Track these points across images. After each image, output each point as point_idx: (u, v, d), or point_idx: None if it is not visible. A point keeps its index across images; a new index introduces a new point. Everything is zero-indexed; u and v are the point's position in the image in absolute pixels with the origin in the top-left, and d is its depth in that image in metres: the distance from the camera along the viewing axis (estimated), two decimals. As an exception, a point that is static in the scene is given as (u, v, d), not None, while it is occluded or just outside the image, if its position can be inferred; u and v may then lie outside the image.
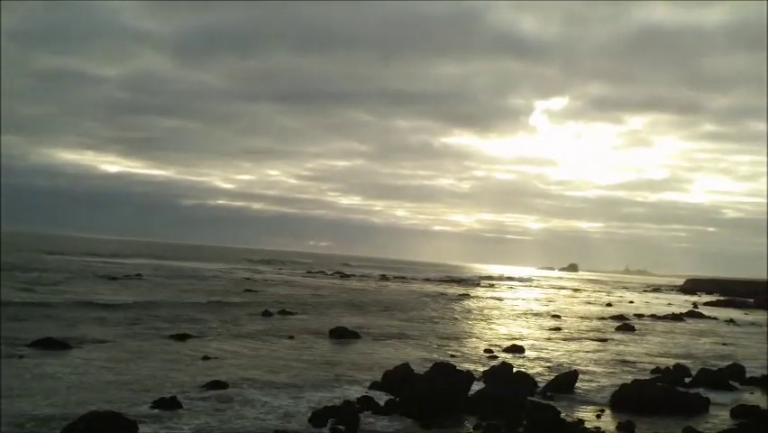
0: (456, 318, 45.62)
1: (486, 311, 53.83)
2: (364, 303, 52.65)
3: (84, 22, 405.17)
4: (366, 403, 17.00)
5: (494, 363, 23.91)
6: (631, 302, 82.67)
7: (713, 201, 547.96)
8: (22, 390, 16.76)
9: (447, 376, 17.95)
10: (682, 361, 28.50)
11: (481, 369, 22.70)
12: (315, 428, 15.03)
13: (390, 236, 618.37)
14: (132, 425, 13.48)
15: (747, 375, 25.36)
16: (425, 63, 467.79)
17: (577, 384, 21.47)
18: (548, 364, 26.43)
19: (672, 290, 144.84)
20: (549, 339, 35.84)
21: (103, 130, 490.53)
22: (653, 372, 25.60)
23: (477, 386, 18.90)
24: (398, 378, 18.93)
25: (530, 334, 38.20)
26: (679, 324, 52.67)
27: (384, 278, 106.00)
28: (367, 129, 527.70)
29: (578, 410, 18.41)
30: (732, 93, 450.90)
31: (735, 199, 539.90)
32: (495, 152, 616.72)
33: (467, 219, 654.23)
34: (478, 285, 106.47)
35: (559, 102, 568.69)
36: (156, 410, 15.49)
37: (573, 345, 33.59)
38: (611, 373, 25.44)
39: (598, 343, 35.39)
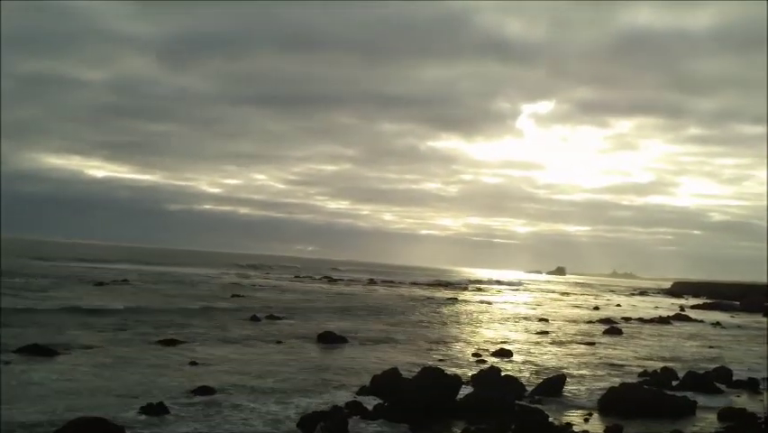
0: (444, 322, 45.64)
1: (474, 315, 53.90)
2: (352, 307, 52.61)
3: (67, 25, 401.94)
4: (354, 408, 16.99)
5: (482, 367, 23.93)
6: (618, 305, 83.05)
7: (699, 204, 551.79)
8: (8, 396, 16.61)
9: (435, 380, 17.94)
10: (670, 364, 28.60)
11: (470, 373, 22.70)
12: (303, 434, 15.00)
13: (378, 240, 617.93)
14: (120, 431, 13.41)
15: (734, 378, 25.49)
16: (411, 66, 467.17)
17: (565, 388, 21.53)
18: (536, 368, 26.48)
19: (659, 292, 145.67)
20: (537, 343, 35.93)
21: (88, 134, 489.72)
22: (640, 375, 25.71)
23: (465, 390, 18.91)
24: (387, 383, 18.91)
25: (518, 337, 38.27)
26: (666, 327, 52.96)
27: (372, 282, 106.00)
28: (353, 133, 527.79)
29: (566, 414, 18.46)
30: (717, 96, 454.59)
31: (720, 202, 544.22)
32: (482, 156, 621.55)
33: (454, 223, 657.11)
34: (466, 289, 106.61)
35: (545, 105, 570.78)
36: (143, 416, 15.43)
37: (561, 349, 33.68)
38: (599, 376, 25.52)
39: (586, 346, 35.49)
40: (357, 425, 15.85)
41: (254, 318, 38.15)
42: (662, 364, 28.23)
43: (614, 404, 19.13)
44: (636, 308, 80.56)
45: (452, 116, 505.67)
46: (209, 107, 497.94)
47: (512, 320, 50.85)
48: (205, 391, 18.33)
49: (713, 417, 19.06)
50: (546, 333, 41.30)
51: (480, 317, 52.68)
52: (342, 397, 18.71)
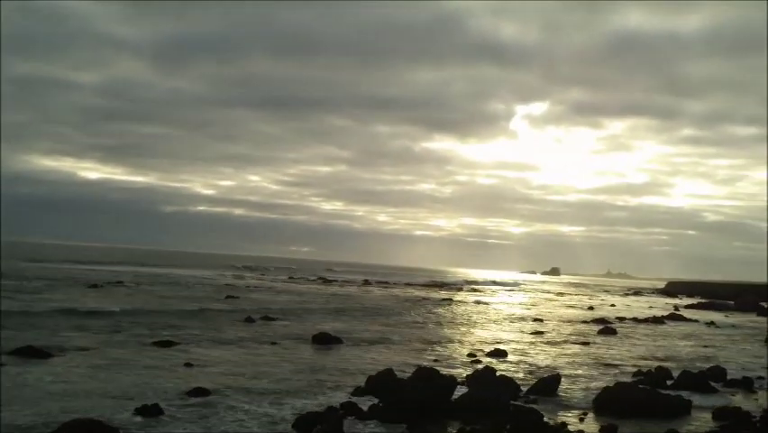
0: (439, 323, 45.65)
1: (469, 315, 53.92)
2: (347, 308, 52.58)
3: (59, 27, 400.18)
4: (350, 409, 17.01)
5: (477, 367, 23.96)
6: (613, 305, 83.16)
7: (693, 205, 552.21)
8: (3, 399, 16.56)
9: (430, 381, 17.96)
10: (664, 363, 28.69)
11: (465, 373, 22.77)
12: (298, 434, 15.00)
13: (373, 241, 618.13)
14: (115, 432, 13.41)
15: (729, 377, 25.61)
16: (405, 68, 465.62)
17: (560, 388, 21.58)
18: (531, 368, 26.53)
19: (654, 292, 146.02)
20: (532, 343, 35.99)
21: (81, 137, 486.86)
22: (635, 374, 25.78)
23: (460, 390, 18.97)
24: (382, 383, 18.94)
25: (513, 338, 38.31)
26: (660, 327, 53.08)
27: (367, 283, 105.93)
28: (347, 135, 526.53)
29: (561, 414, 18.50)
30: (709, 98, 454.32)
31: (714, 203, 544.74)
32: (476, 157, 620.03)
33: (449, 224, 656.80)
34: (461, 289, 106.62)
35: (539, 107, 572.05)
36: (138, 418, 15.42)
37: (556, 349, 33.74)
38: (594, 376, 25.57)
39: (581, 346, 35.57)
40: (352, 425, 15.87)
41: (249, 320, 38.11)
42: (656, 364, 28.30)
43: (609, 404, 19.19)
44: (631, 307, 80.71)
45: (447, 118, 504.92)
46: (203, 110, 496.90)
47: (507, 320, 50.89)
48: (200, 392, 18.31)
49: (708, 416, 19.13)
50: (541, 333, 41.36)
51: (475, 317, 52.68)
52: (338, 398, 18.73)
